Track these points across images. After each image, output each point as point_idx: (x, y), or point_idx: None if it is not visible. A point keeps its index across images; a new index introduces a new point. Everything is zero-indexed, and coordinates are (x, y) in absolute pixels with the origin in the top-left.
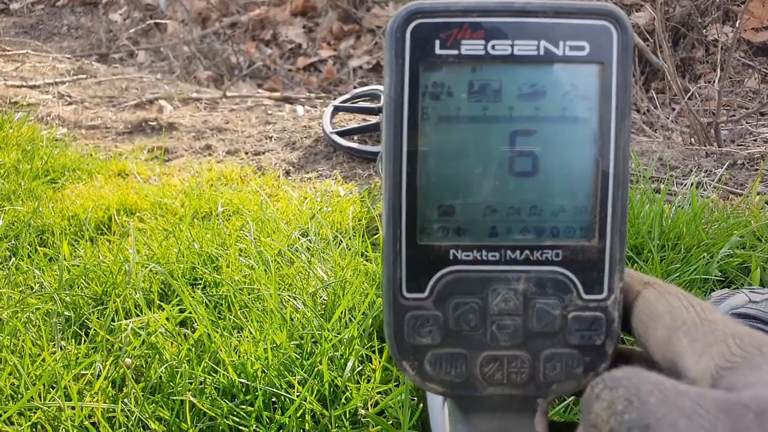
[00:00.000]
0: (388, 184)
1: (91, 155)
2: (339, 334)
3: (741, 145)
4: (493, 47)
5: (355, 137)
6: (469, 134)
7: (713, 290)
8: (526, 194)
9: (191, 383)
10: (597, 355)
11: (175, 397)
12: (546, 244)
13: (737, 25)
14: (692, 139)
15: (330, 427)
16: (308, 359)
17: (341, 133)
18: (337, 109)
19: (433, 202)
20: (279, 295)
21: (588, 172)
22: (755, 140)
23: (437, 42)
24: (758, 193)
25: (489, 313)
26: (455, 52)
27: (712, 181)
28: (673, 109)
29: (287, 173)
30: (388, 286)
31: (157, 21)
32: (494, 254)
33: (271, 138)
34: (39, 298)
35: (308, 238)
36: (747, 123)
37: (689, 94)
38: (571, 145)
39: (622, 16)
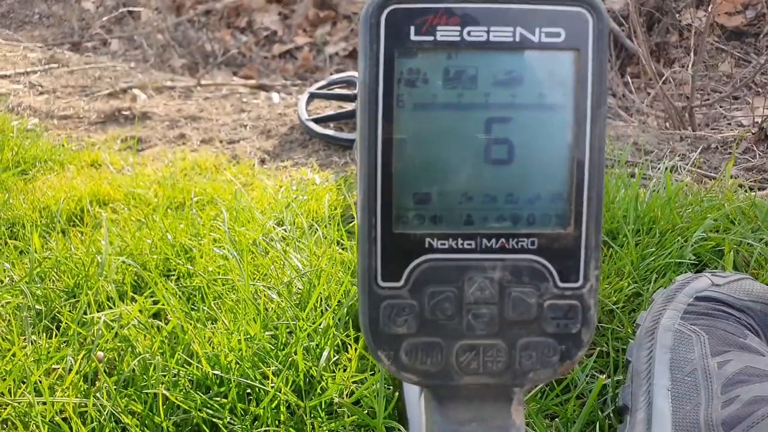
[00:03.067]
0: (363, 171)
1: (63, 146)
2: (314, 323)
3: (715, 128)
4: (468, 33)
5: (331, 124)
6: (445, 121)
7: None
8: (501, 182)
9: (164, 376)
10: (573, 343)
11: (148, 391)
12: (522, 232)
13: (710, 9)
14: (667, 123)
15: (305, 417)
16: (283, 350)
17: (317, 120)
18: (312, 96)
19: (408, 189)
20: (253, 285)
21: (564, 160)
22: (729, 124)
23: (412, 28)
24: (732, 177)
25: (465, 302)
26: (430, 38)
27: (687, 165)
28: (649, 94)
29: (262, 162)
30: (363, 275)
31: (131, 9)
32: (470, 242)
33: (245, 126)
34: (9, 292)
35: (283, 227)
36: (721, 107)
37: (663, 79)
38: (546, 133)
39: (598, 3)
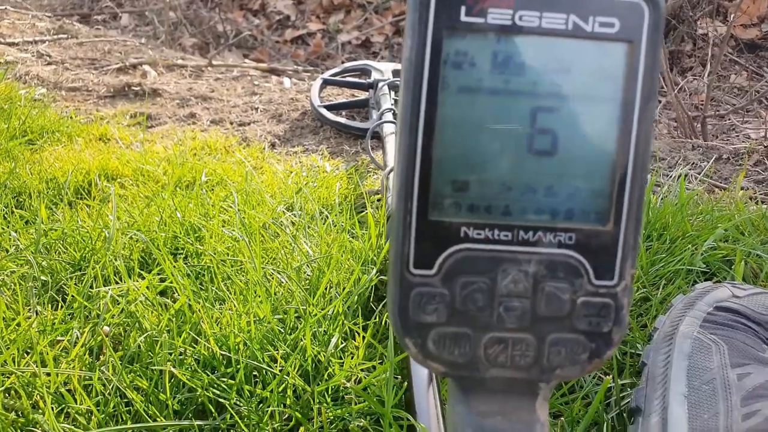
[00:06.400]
0: (402, 154)
1: (71, 118)
2: (323, 309)
3: (726, 140)
4: (520, 18)
5: (344, 112)
6: (490, 108)
7: (696, 281)
8: (543, 174)
9: (171, 354)
10: (603, 341)
11: (154, 367)
12: (560, 226)
13: (730, 20)
14: (678, 132)
15: (312, 402)
16: (291, 334)
17: (329, 108)
18: (326, 83)
19: (447, 176)
20: (263, 268)
21: (608, 155)
22: (738, 136)
23: (463, 8)
24: (742, 188)
25: (497, 294)
26: (481, 20)
27: (698, 174)
28: (660, 101)
29: (273, 146)
30: (395, 260)
31: None
32: (506, 234)
33: (257, 109)
34: (14, 261)
35: (293, 212)
36: (733, 118)
37: (678, 87)
38: (593, 126)
39: None
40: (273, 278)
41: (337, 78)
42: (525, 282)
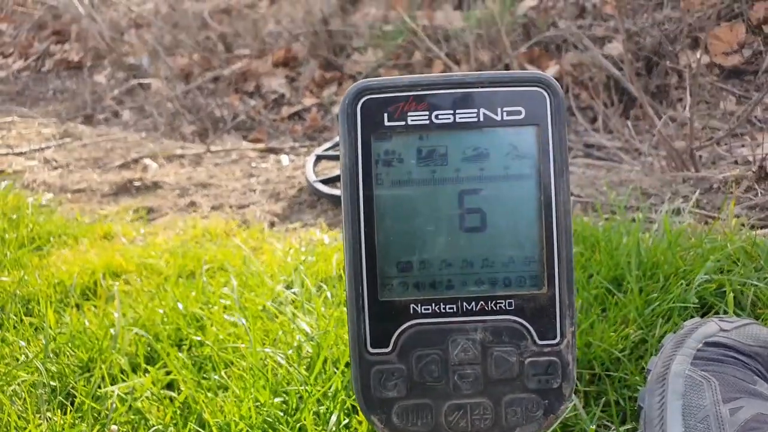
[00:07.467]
0: (349, 244)
1: (76, 219)
2: (322, 387)
3: (720, 167)
4: (436, 117)
5: (339, 184)
6: (421, 196)
7: (693, 317)
8: (477, 248)
9: None
10: (555, 397)
11: None
12: (499, 294)
13: (698, 54)
14: (672, 164)
15: None
16: (293, 415)
17: (325, 181)
18: (319, 158)
19: (391, 259)
20: (262, 351)
21: (533, 225)
22: (736, 162)
23: (386, 115)
24: (736, 216)
25: (450, 364)
26: (402, 123)
27: (689, 206)
28: (653, 135)
29: (272, 225)
30: (353, 342)
31: (141, 81)
32: (452, 306)
33: (255, 190)
34: (25, 369)
35: (292, 290)
36: (725, 144)
37: (662, 121)
38: (515, 201)
39: (553, 82)
40: (272, 360)
41: (330, 152)
42: (474, 349)
